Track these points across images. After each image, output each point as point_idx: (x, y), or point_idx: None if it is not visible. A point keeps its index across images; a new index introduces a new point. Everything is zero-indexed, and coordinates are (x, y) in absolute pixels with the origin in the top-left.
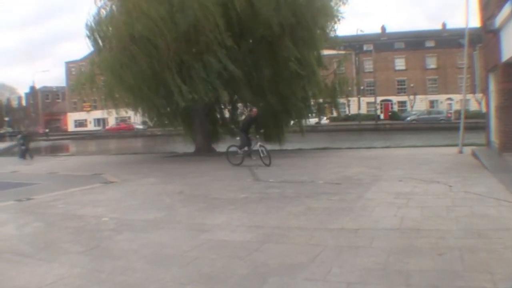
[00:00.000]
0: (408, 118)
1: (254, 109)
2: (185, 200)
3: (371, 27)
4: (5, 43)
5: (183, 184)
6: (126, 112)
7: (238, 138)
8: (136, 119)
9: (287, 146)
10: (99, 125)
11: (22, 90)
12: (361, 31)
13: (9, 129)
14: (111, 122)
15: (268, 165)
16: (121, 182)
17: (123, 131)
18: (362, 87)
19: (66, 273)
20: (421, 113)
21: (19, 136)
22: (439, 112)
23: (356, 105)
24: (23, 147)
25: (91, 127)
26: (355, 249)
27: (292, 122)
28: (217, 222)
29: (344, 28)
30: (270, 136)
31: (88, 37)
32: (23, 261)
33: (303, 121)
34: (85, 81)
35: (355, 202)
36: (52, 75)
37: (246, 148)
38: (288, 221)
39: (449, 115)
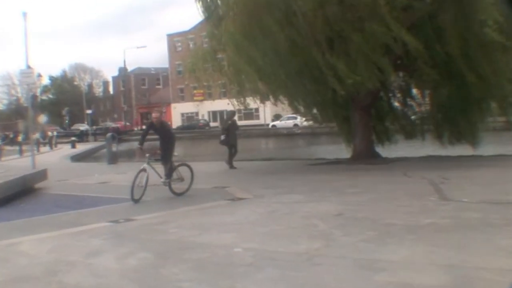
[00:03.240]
0: None
1: (154, 114)
2: (346, 226)
3: None
4: (87, 15)
5: (341, 203)
6: (254, 102)
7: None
8: (266, 112)
9: (483, 150)
10: (214, 119)
11: (109, 73)
12: None
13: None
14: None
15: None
16: (254, 198)
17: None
18: None
19: None
20: None
21: (108, 135)
22: None
23: None
24: (232, 148)
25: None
26: None
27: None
28: (395, 258)
29: None
30: (459, 135)
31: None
32: None
33: None
34: (202, 59)
35: None
36: (150, 53)
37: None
38: (497, 260)
39: None
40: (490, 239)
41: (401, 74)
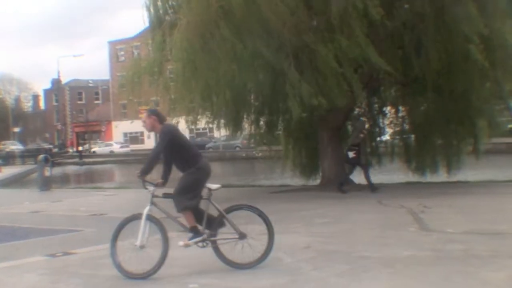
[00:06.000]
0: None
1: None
2: (315, 260)
3: None
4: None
5: (309, 235)
6: (209, 123)
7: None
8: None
9: (465, 175)
10: None
11: (40, 86)
12: None
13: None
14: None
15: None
16: None
17: None
18: None
19: None
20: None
21: (41, 157)
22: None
23: None
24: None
25: (150, 143)
26: None
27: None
28: None
29: None
30: (434, 159)
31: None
32: None
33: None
34: (147, 70)
35: None
36: (88, 63)
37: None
38: None
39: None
40: (476, 272)
41: (371, 90)
